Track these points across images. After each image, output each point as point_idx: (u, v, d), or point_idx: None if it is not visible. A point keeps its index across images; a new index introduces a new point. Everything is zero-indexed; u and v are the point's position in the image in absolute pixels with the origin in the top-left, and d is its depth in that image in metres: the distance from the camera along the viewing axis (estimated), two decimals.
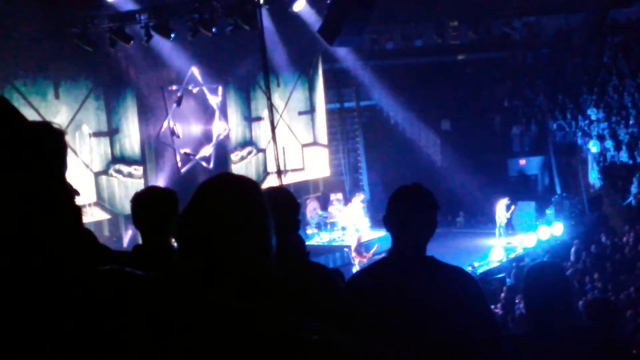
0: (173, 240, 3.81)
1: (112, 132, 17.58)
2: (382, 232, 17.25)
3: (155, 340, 1.41)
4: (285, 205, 3.26)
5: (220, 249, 1.70)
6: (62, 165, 2.70)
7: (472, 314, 2.98)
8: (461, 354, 2.89)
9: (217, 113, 20.20)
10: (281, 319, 1.52)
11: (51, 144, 2.57)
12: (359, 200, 20.82)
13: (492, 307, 12.97)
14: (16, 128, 1.46)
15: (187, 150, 19.24)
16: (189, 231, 1.75)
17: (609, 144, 21.98)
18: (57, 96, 16.28)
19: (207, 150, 19.93)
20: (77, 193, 2.75)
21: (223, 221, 1.72)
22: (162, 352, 1.42)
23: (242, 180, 1.85)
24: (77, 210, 1.81)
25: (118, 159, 17.65)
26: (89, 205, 16.50)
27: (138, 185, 17.07)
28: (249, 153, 21.31)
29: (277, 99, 21.25)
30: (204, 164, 19.74)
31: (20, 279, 1.39)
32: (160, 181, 17.83)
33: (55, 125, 2.66)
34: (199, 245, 1.72)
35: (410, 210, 3.05)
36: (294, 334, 1.48)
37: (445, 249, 16.57)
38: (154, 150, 18.52)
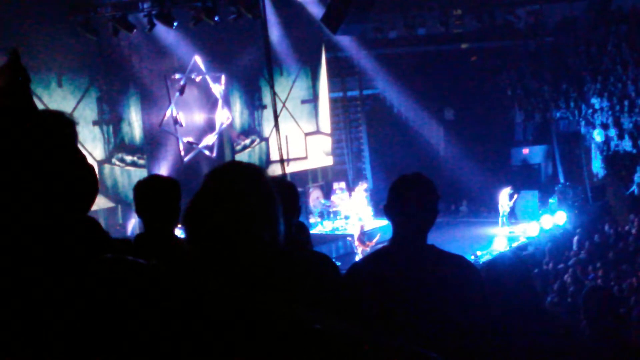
0: (177, 228, 3.82)
1: (115, 121, 17.57)
2: (384, 221, 17.21)
3: (156, 328, 1.42)
4: (285, 192, 3.26)
5: (234, 236, 1.70)
6: (74, 152, 2.72)
7: (473, 302, 2.99)
8: (462, 342, 2.90)
9: (220, 102, 20.18)
10: (283, 308, 1.52)
11: (63, 132, 2.58)
12: (362, 189, 20.80)
13: None
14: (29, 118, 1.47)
15: (190, 139, 19.23)
16: (202, 219, 1.74)
17: (612, 132, 21.92)
18: (60, 85, 16.27)
19: (210, 138, 19.92)
20: None
21: (237, 209, 1.72)
22: (163, 341, 1.42)
23: (253, 167, 1.85)
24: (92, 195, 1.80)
25: (121, 147, 17.65)
26: None
27: (141, 173, 17.07)
28: (252, 142, 21.30)
29: (280, 88, 21.20)
30: (207, 152, 19.74)
31: (23, 266, 1.40)
32: (163, 170, 17.83)
33: (67, 115, 2.68)
34: (211, 233, 1.71)
35: (411, 199, 3.05)
36: (296, 323, 1.48)
37: (448, 238, 16.61)
38: (157, 138, 18.51)
